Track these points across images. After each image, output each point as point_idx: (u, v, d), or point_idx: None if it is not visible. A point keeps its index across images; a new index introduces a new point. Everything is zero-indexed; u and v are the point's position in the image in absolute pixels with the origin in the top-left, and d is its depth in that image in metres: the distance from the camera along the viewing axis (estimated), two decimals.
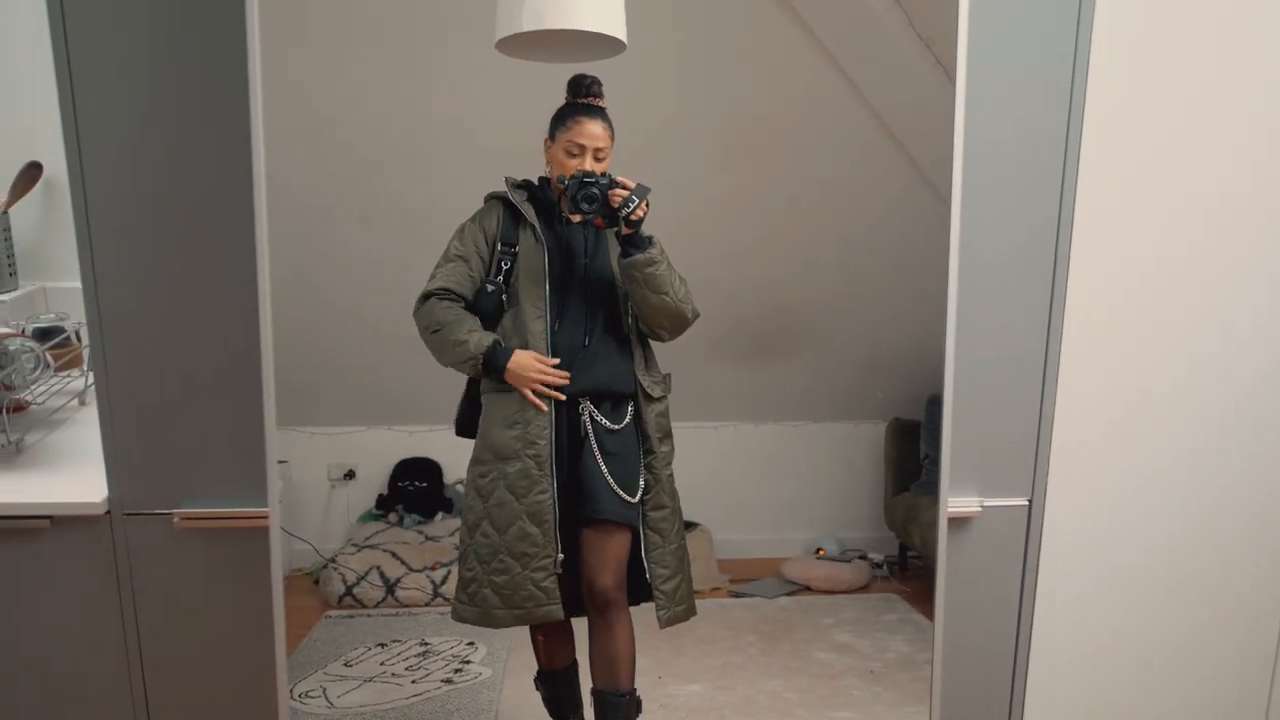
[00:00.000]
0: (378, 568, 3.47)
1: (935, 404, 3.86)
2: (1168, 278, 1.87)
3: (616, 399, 2.22)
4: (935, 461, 3.80)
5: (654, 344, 2.28)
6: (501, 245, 2.18)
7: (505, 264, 2.17)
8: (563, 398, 2.12)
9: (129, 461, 1.73)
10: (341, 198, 3.17)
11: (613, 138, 2.16)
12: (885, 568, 3.75)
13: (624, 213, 2.07)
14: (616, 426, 2.21)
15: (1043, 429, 1.79)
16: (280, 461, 3.73)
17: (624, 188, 2.08)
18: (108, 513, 1.79)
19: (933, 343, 3.73)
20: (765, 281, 3.48)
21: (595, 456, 2.19)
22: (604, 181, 2.08)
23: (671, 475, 2.31)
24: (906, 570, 3.85)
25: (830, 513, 4.21)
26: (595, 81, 2.15)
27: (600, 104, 2.17)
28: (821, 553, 3.91)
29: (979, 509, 1.82)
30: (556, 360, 2.14)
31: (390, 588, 3.44)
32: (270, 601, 1.73)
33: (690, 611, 2.32)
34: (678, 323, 2.21)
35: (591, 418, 2.21)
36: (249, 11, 1.56)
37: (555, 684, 2.40)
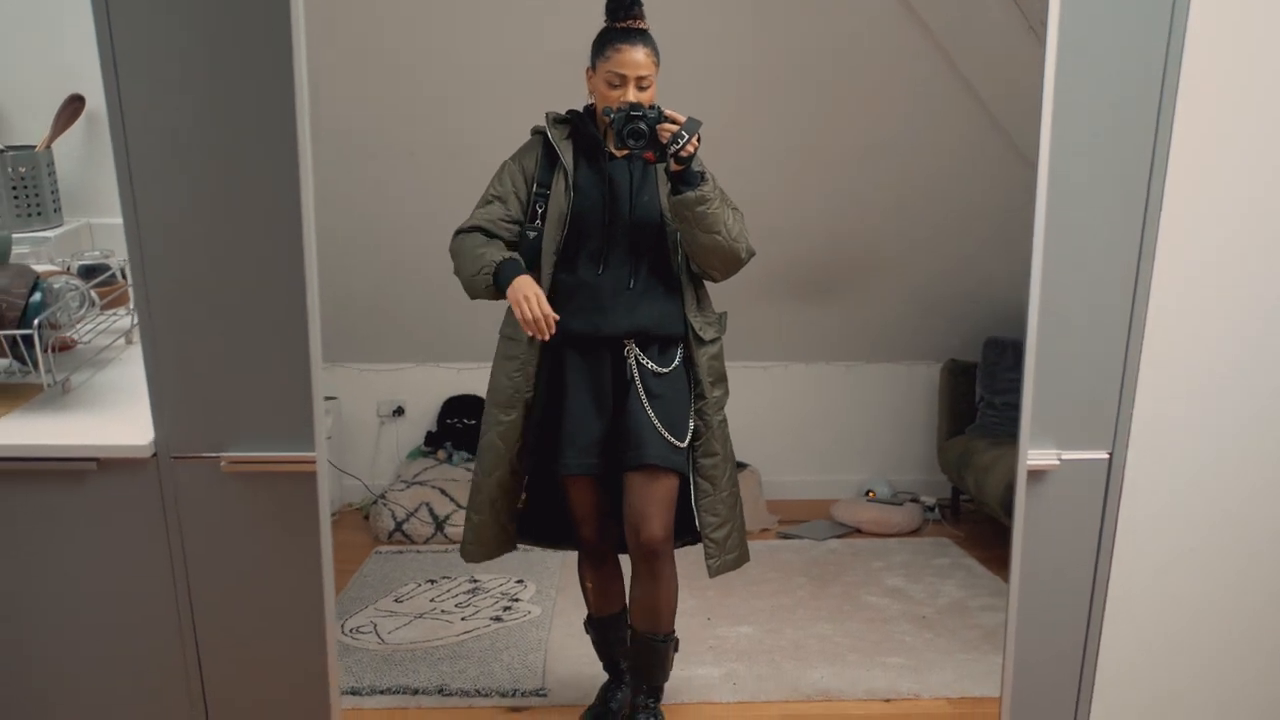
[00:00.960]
0: (427, 504, 3.49)
1: (992, 346, 3.79)
2: (1263, 228, 1.76)
3: (664, 341, 2.09)
4: (991, 405, 3.73)
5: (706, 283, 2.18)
6: (537, 186, 2.05)
7: (540, 207, 2.05)
8: (545, 338, 2.01)
9: (175, 405, 1.71)
10: (390, 134, 3.14)
11: (657, 63, 1.98)
12: (937, 511, 3.70)
13: (673, 148, 1.89)
14: (664, 370, 2.08)
15: (1126, 379, 1.69)
16: (329, 398, 3.75)
17: (673, 121, 1.91)
18: (154, 456, 1.77)
19: (991, 284, 3.64)
20: (818, 219, 3.40)
21: (641, 400, 2.05)
22: (652, 115, 1.91)
23: (724, 421, 2.16)
24: (959, 514, 3.80)
25: (881, 455, 4.09)
26: (635, 1, 1.97)
27: (641, 25, 1.98)
28: (872, 495, 3.87)
29: (1057, 462, 1.72)
30: (554, 317, 2.00)
31: (439, 524, 3.46)
32: (319, 545, 1.71)
33: (741, 559, 2.23)
34: (730, 263, 2.04)
35: (637, 361, 2.07)
36: None
37: (605, 629, 2.36)
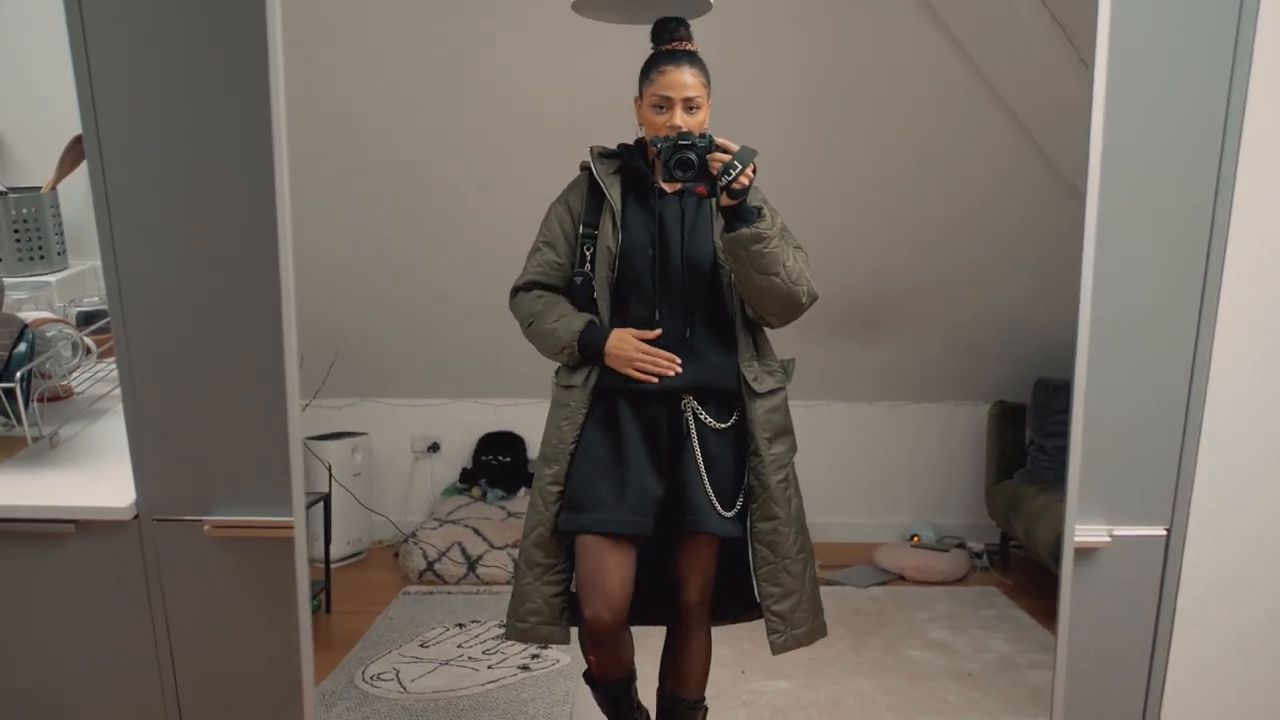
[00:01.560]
0: (459, 543, 3.43)
1: (1042, 387, 3.66)
2: None
3: (724, 395, 1.92)
4: (1041, 449, 3.61)
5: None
6: (584, 227, 1.91)
7: (588, 249, 1.90)
8: (656, 381, 1.90)
9: (157, 465, 1.65)
10: (429, 168, 3.11)
11: (708, 86, 1.85)
12: (985, 558, 3.57)
13: (725, 180, 1.73)
14: (723, 425, 1.92)
15: (1186, 447, 1.56)
16: (358, 434, 3.73)
17: (725, 151, 1.75)
18: (136, 518, 1.71)
19: (1041, 323, 3.53)
20: (860, 253, 3.31)
21: (697, 461, 1.90)
22: (702, 144, 1.76)
23: (786, 481, 1.97)
24: (1008, 561, 3.66)
25: (927, 498, 3.98)
26: (681, 23, 1.84)
27: (689, 47, 1.85)
28: (916, 540, 3.74)
29: (1108, 539, 1.57)
30: (657, 335, 1.88)
31: (472, 565, 3.40)
32: (292, 614, 1.63)
33: (814, 634, 2.03)
34: (789, 307, 1.88)
35: (695, 416, 1.91)
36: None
37: (607, 692, 2.12)
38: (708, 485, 1.90)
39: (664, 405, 1.91)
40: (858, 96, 2.91)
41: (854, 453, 3.96)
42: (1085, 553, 1.62)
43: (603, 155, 1.93)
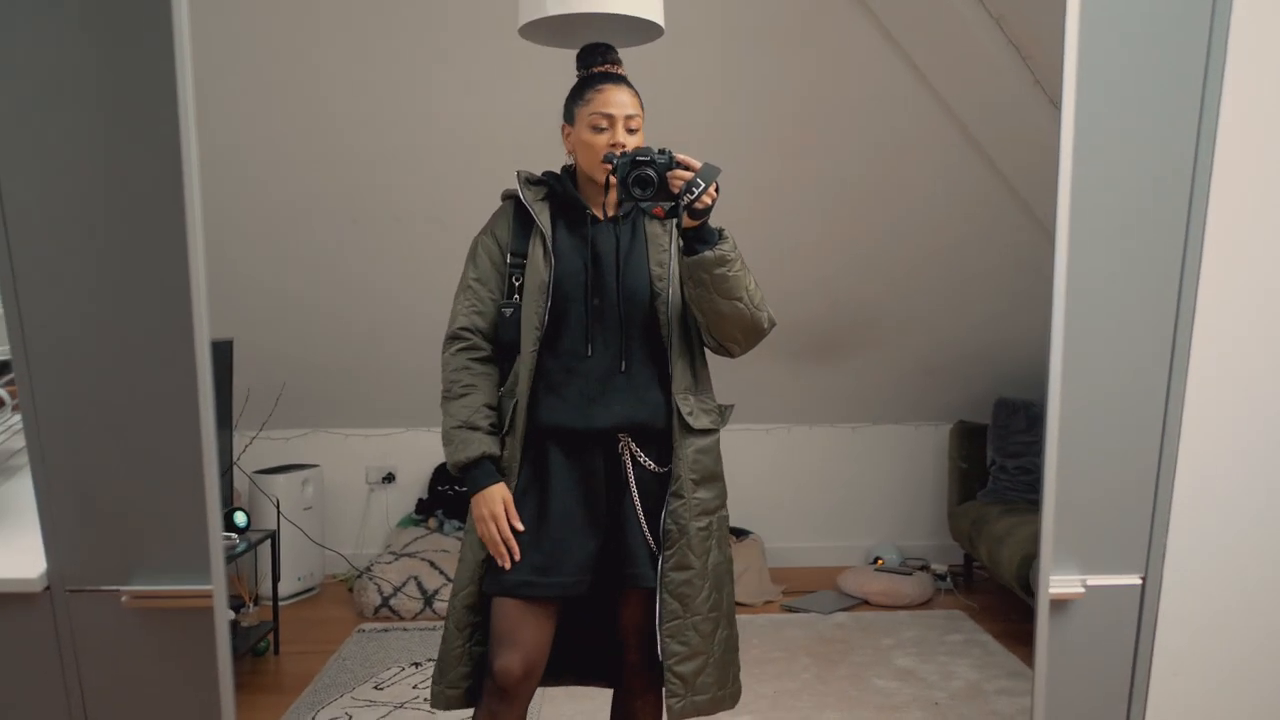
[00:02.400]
0: (415, 577, 3.34)
1: (1004, 407, 3.64)
2: None
3: (664, 436, 1.78)
4: (1003, 469, 3.58)
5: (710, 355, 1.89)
6: (512, 257, 1.79)
7: (516, 280, 1.78)
8: (505, 565, 1.69)
9: (70, 532, 1.52)
10: (378, 198, 3.05)
11: (643, 106, 1.73)
12: (949, 580, 3.54)
13: (687, 199, 1.60)
14: (664, 469, 1.78)
15: (1160, 495, 1.51)
16: (310, 466, 3.64)
17: (687, 168, 1.62)
18: (47, 589, 1.58)
19: (1002, 344, 3.52)
20: (821, 278, 3.29)
21: (636, 511, 1.76)
22: (662, 160, 1.62)
23: (709, 530, 1.79)
24: (972, 583, 3.63)
25: (890, 520, 4.01)
26: (609, 49, 1.75)
27: (620, 72, 1.75)
28: (880, 563, 3.69)
29: (1082, 589, 1.52)
30: (520, 526, 1.71)
31: (429, 599, 3.31)
32: (217, 688, 1.52)
33: (721, 704, 1.81)
34: (752, 333, 1.75)
35: (634, 459, 1.77)
36: (179, 57, 1.38)
37: None
38: (648, 535, 1.75)
39: (600, 448, 1.76)
40: (822, 127, 2.90)
41: (816, 476, 3.93)
42: (1059, 603, 1.56)
43: (530, 181, 1.80)
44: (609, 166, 1.64)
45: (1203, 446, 1.56)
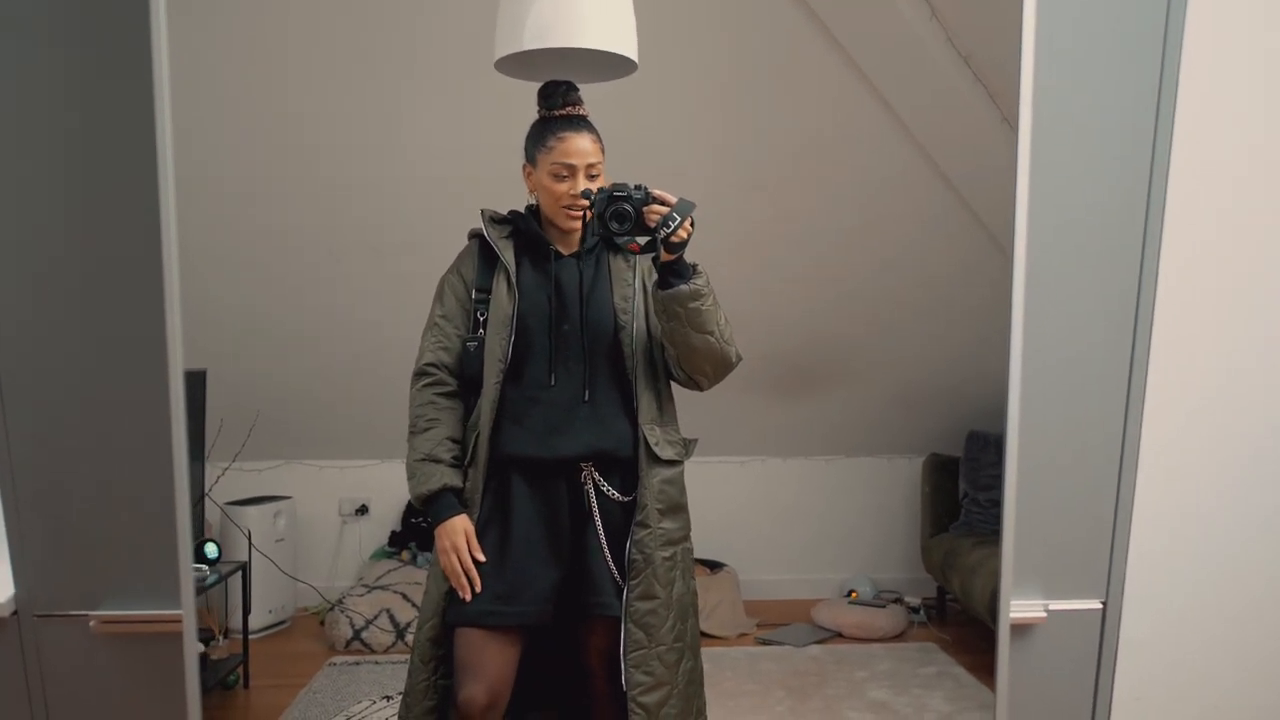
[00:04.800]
0: (387, 610, 3.31)
1: (975, 439, 3.68)
2: (1264, 350, 1.63)
3: (627, 464, 1.79)
4: (975, 502, 3.61)
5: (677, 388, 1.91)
6: (477, 293, 1.82)
7: (481, 314, 1.81)
8: (465, 597, 1.70)
9: (39, 557, 1.52)
10: (352, 230, 3.05)
11: (603, 149, 1.78)
12: (922, 613, 3.55)
13: (663, 233, 1.64)
14: (627, 499, 1.79)
15: (1119, 520, 1.54)
16: (283, 498, 3.62)
17: (663, 203, 1.67)
18: (15, 614, 1.56)
19: (974, 378, 3.55)
20: (794, 311, 3.31)
21: (600, 539, 1.76)
22: (638, 196, 1.67)
23: (673, 561, 1.79)
24: (945, 616, 3.64)
25: (864, 552, 4.01)
26: (571, 87, 1.78)
27: (581, 112, 1.78)
28: (854, 595, 3.70)
29: (1043, 614, 1.54)
30: (481, 557, 1.72)
31: (400, 632, 3.28)
32: (186, 715, 1.51)
33: None
34: (721, 367, 1.79)
35: (597, 488, 1.78)
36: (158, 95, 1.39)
37: None
38: (611, 564, 1.76)
39: (563, 477, 1.78)
40: (793, 158, 2.93)
41: (790, 508, 3.94)
42: (1021, 628, 1.58)
43: (494, 220, 1.84)
44: (577, 212, 1.72)
45: (1161, 472, 1.59)
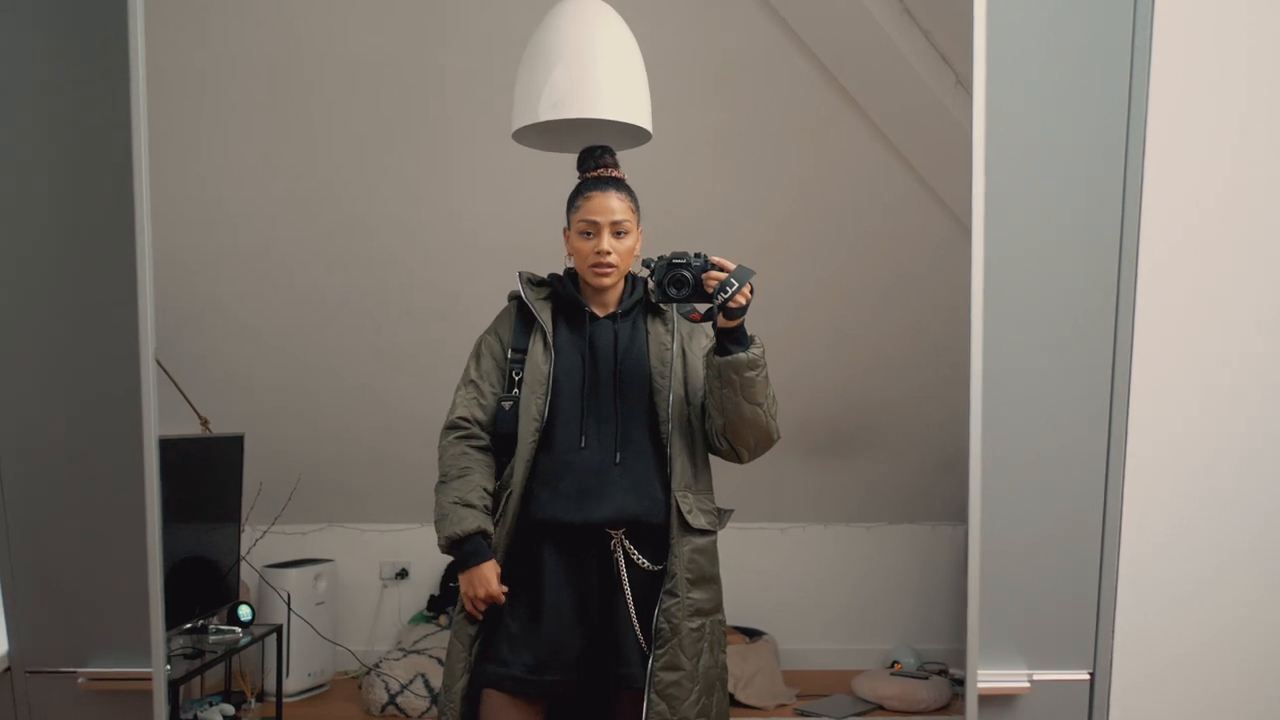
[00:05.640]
0: (422, 675, 3.31)
1: None
2: (1249, 398, 1.59)
3: (658, 532, 1.77)
4: None
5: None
6: (513, 353, 1.84)
7: (516, 374, 1.83)
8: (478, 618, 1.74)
9: (32, 615, 1.58)
10: (388, 297, 3.11)
11: (637, 211, 1.81)
12: None
13: (721, 299, 1.66)
14: (658, 568, 1.77)
15: (1104, 587, 1.50)
16: (324, 560, 3.65)
17: (721, 269, 1.70)
18: (8, 670, 1.62)
19: None
20: (834, 377, 3.29)
21: (629, 609, 1.74)
22: (697, 263, 1.70)
23: (700, 632, 1.76)
24: None
25: (907, 622, 3.87)
26: (606, 150, 1.83)
27: (614, 174, 1.83)
28: (898, 666, 3.62)
29: (1027, 684, 1.49)
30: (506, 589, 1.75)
31: (435, 698, 3.27)
32: None
33: None
34: (763, 440, 1.78)
35: (627, 556, 1.76)
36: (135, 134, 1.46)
37: None
38: (639, 634, 1.74)
39: (592, 544, 1.78)
40: (821, 220, 2.94)
41: (831, 576, 3.87)
42: (1004, 699, 1.53)
43: (532, 281, 1.89)
44: (605, 269, 1.75)
45: (1145, 540, 1.56)
